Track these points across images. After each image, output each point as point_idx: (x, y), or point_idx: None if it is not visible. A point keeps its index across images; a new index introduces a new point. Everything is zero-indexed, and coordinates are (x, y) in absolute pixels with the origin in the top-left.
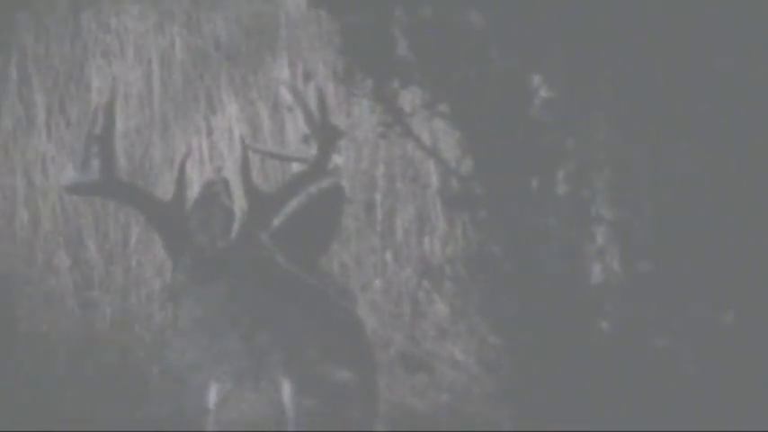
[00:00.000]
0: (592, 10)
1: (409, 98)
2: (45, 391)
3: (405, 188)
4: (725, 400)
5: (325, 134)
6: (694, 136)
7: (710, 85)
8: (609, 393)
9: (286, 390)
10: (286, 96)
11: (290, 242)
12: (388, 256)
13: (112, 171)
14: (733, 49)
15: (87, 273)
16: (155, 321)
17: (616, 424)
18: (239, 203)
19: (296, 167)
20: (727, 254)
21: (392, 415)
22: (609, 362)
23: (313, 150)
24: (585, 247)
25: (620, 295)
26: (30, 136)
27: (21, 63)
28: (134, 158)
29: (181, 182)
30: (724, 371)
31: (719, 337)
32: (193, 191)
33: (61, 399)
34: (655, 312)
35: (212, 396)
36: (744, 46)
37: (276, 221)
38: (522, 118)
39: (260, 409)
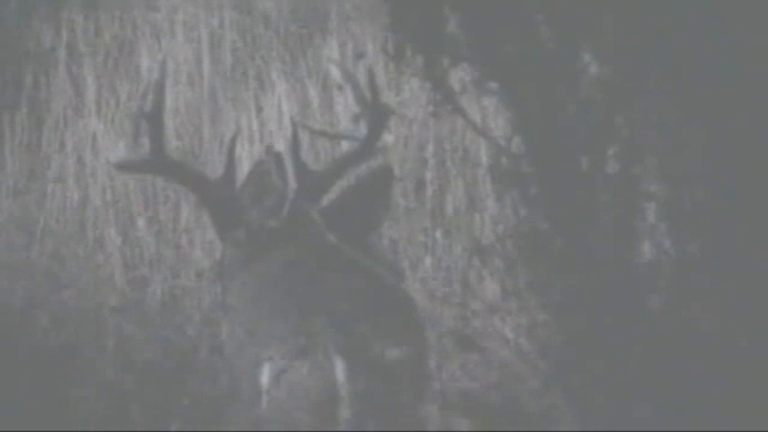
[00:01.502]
0: None
1: (459, 76)
2: (95, 369)
3: (455, 166)
4: None
5: (375, 113)
6: (748, 116)
7: (766, 64)
8: (658, 372)
9: (339, 369)
10: (336, 75)
11: (341, 220)
12: (438, 234)
13: (162, 149)
14: None
15: (137, 251)
16: (204, 300)
17: (666, 402)
18: (289, 181)
19: (346, 146)
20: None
21: (442, 392)
22: (658, 341)
23: (363, 129)
24: (636, 224)
25: (670, 273)
26: (80, 115)
27: (71, 42)
28: (184, 137)
29: (230, 160)
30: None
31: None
32: (243, 169)
33: (110, 376)
34: (704, 292)
35: (265, 375)
36: None
37: (326, 199)
38: (572, 96)
39: (314, 388)
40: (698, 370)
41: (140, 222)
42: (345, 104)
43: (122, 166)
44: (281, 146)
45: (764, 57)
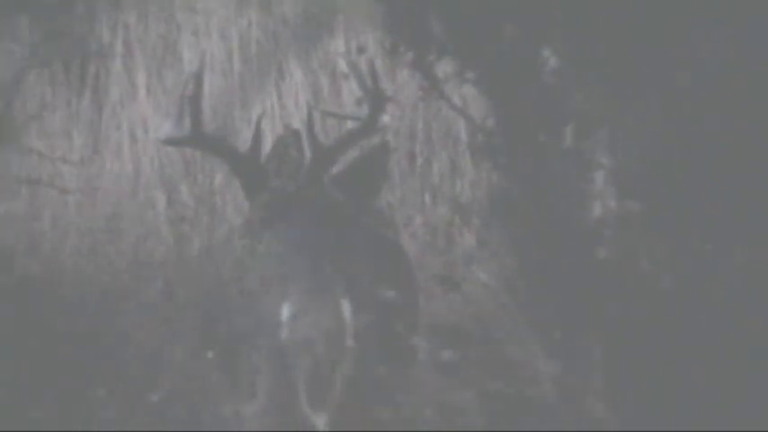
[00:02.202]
0: None
1: (443, 68)
2: (146, 306)
3: (439, 141)
4: (701, 317)
5: (375, 97)
6: (676, 98)
7: (688, 56)
8: (604, 307)
9: (345, 307)
10: (342, 66)
11: (347, 185)
12: (427, 197)
13: (201, 127)
14: (717, 21)
15: (180, 210)
16: (235, 251)
17: (608, 327)
18: (305, 154)
19: (351, 125)
20: (704, 195)
21: (430, 325)
22: (604, 283)
23: (365, 111)
24: (586, 188)
25: (614, 228)
26: (133, 100)
27: (125, 40)
28: (218, 117)
29: (257, 136)
30: (701, 291)
31: (697, 264)
32: (267, 144)
33: (157, 311)
34: (643, 242)
35: (285, 312)
36: (727, 19)
37: (335, 169)
38: (535, 83)
39: (324, 323)
40: (636, 307)
41: (182, 187)
42: (350, 91)
43: (168, 142)
44: (298, 124)
45: (689, 52)
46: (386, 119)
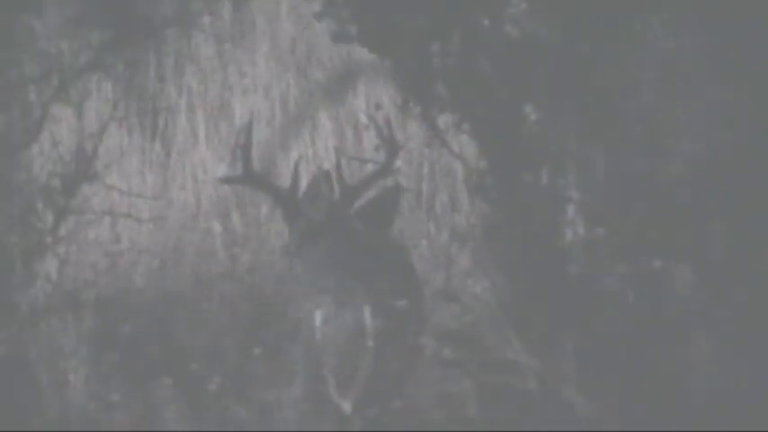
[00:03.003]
0: (568, 63)
1: (444, 120)
2: (202, 315)
3: (441, 180)
4: (657, 323)
5: (390, 145)
6: (632, 145)
7: (639, 111)
8: (574, 316)
9: (366, 314)
10: (364, 119)
11: (368, 217)
12: (431, 225)
13: (250, 168)
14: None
15: (232, 236)
16: (277, 268)
17: (578, 331)
18: (334, 191)
19: (371, 167)
20: (656, 223)
21: (435, 330)
22: (574, 296)
23: (382, 156)
24: (560, 218)
25: (583, 251)
26: (195, 146)
27: (188, 98)
28: (264, 160)
29: (295, 176)
30: (656, 301)
31: (650, 280)
32: (303, 182)
33: (213, 319)
34: (607, 262)
35: (317, 318)
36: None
37: (358, 203)
38: (518, 133)
39: (349, 326)
40: (603, 314)
41: (234, 217)
42: (370, 139)
43: (223, 180)
44: (328, 167)
45: (639, 104)
46: (399, 163)
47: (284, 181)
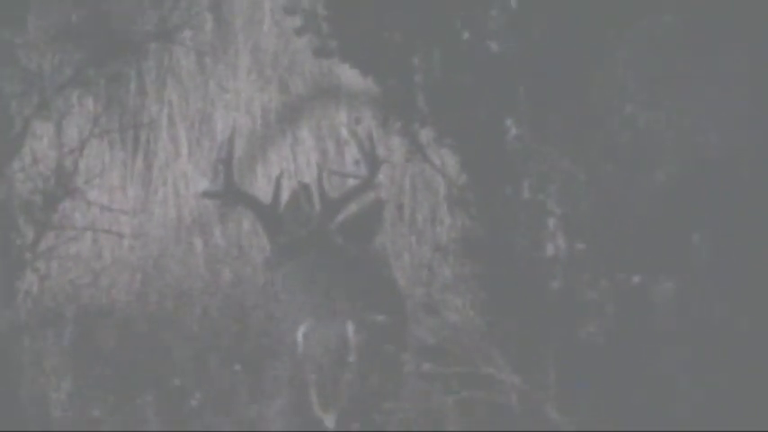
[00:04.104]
0: (549, 77)
1: (425, 134)
2: (184, 327)
3: (422, 194)
4: (637, 336)
5: (371, 160)
6: (611, 159)
7: (618, 122)
8: (556, 329)
9: (349, 329)
10: (345, 134)
11: (349, 231)
12: (413, 239)
13: (232, 183)
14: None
15: (214, 251)
16: (259, 283)
17: (559, 346)
18: (315, 205)
19: (352, 182)
20: (636, 237)
21: (416, 345)
22: (555, 310)
23: (363, 170)
24: (541, 232)
25: (564, 265)
26: (176, 161)
27: (169, 112)
28: (246, 175)
29: (276, 190)
30: (637, 316)
31: (631, 294)
32: (284, 197)
33: (195, 333)
34: (588, 276)
35: (300, 333)
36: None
37: (340, 217)
38: (500, 147)
39: (331, 341)
40: (584, 329)
41: (216, 231)
42: (351, 154)
43: (205, 195)
44: (309, 181)
45: (622, 125)
46: (380, 177)
47: (265, 196)
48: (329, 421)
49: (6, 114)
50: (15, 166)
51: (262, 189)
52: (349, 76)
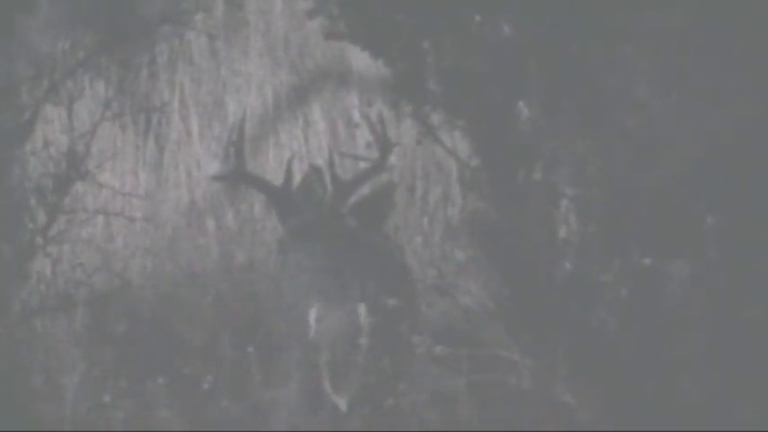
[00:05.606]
0: (561, 60)
1: (437, 117)
2: (197, 312)
3: (434, 177)
4: (649, 318)
5: (383, 142)
6: (624, 140)
7: (630, 105)
8: (568, 308)
9: (361, 311)
10: (357, 117)
11: (361, 213)
12: (425, 221)
13: (243, 165)
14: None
15: (226, 233)
16: (271, 265)
17: (571, 328)
18: (327, 188)
19: (364, 164)
20: (648, 219)
21: (426, 326)
22: (569, 289)
23: (375, 153)
24: (554, 213)
25: (577, 246)
26: (188, 144)
27: (181, 96)
28: (257, 157)
29: (288, 173)
30: (650, 298)
31: (643, 277)
32: (296, 179)
33: (209, 317)
34: (600, 258)
35: (312, 316)
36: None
37: (352, 200)
38: (512, 129)
39: (343, 324)
40: (596, 311)
41: (228, 214)
42: (363, 136)
43: (217, 178)
44: (321, 164)
45: (631, 96)
46: (392, 159)
47: (277, 178)
48: (341, 403)
49: (18, 98)
50: (27, 150)
51: (273, 172)
52: (360, 58)
